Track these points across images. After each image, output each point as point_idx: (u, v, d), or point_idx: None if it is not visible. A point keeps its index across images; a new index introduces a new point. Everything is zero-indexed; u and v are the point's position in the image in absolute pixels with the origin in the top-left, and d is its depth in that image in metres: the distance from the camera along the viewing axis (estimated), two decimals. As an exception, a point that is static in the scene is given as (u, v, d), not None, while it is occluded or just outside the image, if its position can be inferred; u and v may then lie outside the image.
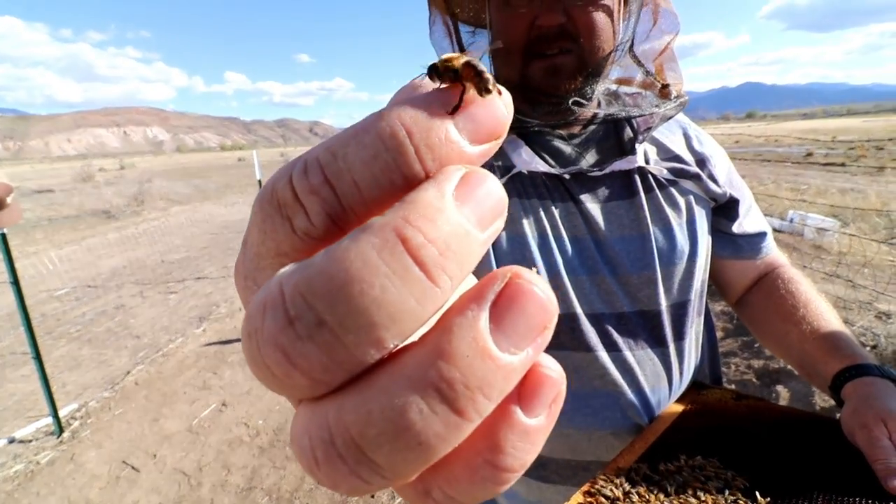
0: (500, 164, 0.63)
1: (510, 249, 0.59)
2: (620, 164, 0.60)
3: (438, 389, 0.11)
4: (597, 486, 0.44)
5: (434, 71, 0.15)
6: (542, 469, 0.61)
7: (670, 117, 0.62)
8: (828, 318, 0.62)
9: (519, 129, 0.62)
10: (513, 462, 0.13)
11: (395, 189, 0.12)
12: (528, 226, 0.60)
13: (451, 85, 0.15)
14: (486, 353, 0.11)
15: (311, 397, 0.12)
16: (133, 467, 2.29)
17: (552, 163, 0.62)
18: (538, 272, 0.56)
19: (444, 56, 0.15)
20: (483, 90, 0.14)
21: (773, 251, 0.72)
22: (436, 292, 0.11)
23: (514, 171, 0.61)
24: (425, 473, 0.13)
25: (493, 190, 0.13)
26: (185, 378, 3.15)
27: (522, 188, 0.61)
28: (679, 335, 0.62)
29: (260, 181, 5.67)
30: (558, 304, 0.46)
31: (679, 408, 0.59)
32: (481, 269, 0.61)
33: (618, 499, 0.42)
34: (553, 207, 0.61)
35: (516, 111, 0.64)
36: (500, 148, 0.62)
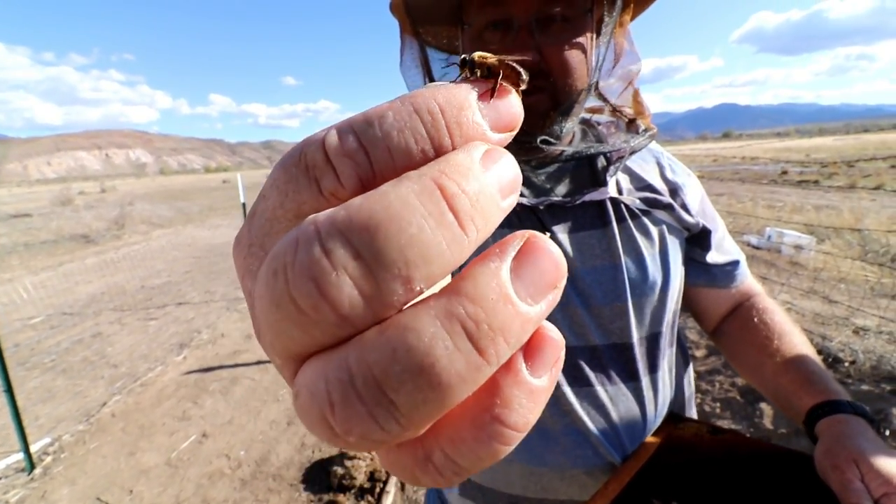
0: None
1: None
2: (592, 195, 0.60)
3: (465, 326, 0.12)
4: None
5: (466, 63, 0.17)
6: None
7: (640, 149, 0.63)
8: (802, 350, 0.62)
9: None
10: (517, 419, 0.13)
11: (425, 158, 0.13)
12: None
13: (482, 78, 0.17)
14: (508, 299, 0.12)
15: (331, 342, 0.12)
16: (107, 505, 2.19)
17: (525, 192, 0.61)
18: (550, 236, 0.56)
19: (479, 53, 0.17)
20: (519, 83, 0.17)
21: (747, 280, 0.72)
22: (463, 240, 0.12)
23: None
24: (429, 434, 0.13)
25: (511, 165, 0.14)
26: (164, 408, 3.05)
27: None
28: (652, 368, 0.62)
29: (244, 204, 5.63)
30: None
31: (654, 443, 0.58)
32: None
33: None
34: None
35: None
36: None
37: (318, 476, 2.34)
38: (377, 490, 2.19)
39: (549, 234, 0.59)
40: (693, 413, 0.72)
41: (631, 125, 0.65)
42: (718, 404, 2.47)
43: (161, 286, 6.15)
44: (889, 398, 2.10)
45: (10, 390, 2.33)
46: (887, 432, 1.94)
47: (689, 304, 0.72)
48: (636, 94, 0.66)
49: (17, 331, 4.54)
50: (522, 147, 0.60)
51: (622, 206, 0.61)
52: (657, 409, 0.62)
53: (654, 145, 0.71)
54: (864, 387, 2.23)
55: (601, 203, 0.61)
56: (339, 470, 2.26)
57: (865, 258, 4.55)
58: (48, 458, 2.53)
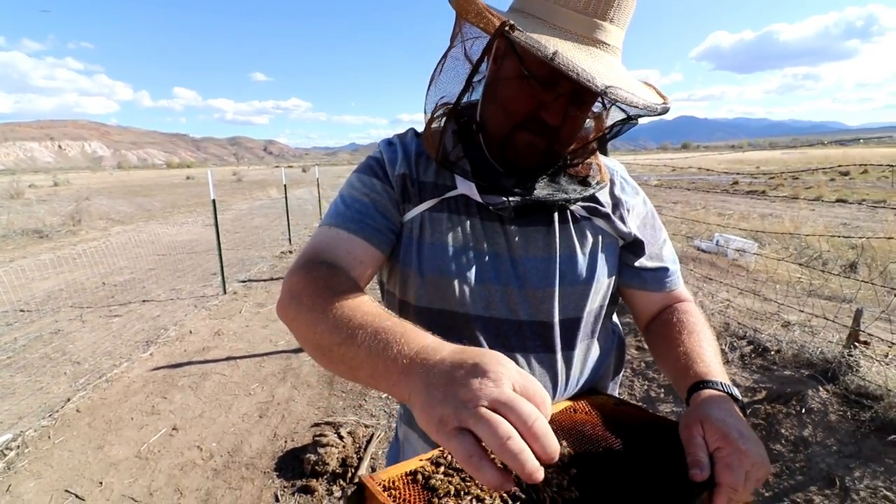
0: (445, 183, 0.73)
1: (430, 255, 0.70)
2: (543, 198, 0.71)
3: None
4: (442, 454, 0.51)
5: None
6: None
7: (589, 195, 0.75)
8: (704, 345, 0.69)
9: (477, 160, 0.73)
10: None
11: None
12: (451, 238, 0.71)
13: None
14: None
15: None
16: (77, 496, 2.21)
17: (492, 196, 0.71)
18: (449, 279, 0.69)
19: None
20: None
21: (677, 287, 0.81)
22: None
23: (455, 192, 0.72)
24: None
25: None
26: (132, 403, 3.05)
27: (455, 205, 0.72)
28: (569, 346, 0.72)
29: (214, 201, 5.58)
30: (464, 305, 0.72)
31: (563, 405, 0.68)
32: (405, 268, 0.72)
33: (434, 473, 0.47)
34: (480, 225, 0.71)
35: (487, 149, 0.73)
36: (451, 173, 0.73)
37: (291, 464, 2.42)
38: (349, 475, 2.30)
39: (501, 225, 0.71)
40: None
41: (584, 181, 0.77)
42: (662, 390, 2.71)
43: (124, 283, 5.99)
44: (807, 381, 2.39)
45: (-27, 383, 2.31)
46: (803, 410, 2.22)
47: (628, 304, 0.86)
48: (594, 152, 0.80)
49: (-31, 328, 4.36)
50: (514, 175, 0.72)
51: (567, 211, 0.75)
52: (568, 382, 0.73)
53: (614, 165, 0.85)
54: (787, 372, 2.51)
55: (550, 206, 0.73)
56: (312, 457, 2.35)
57: (801, 262, 4.98)
58: (11, 454, 2.51)
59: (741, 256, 5.15)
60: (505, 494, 0.44)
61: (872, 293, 3.42)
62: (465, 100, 0.76)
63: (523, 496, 0.44)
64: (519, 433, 0.33)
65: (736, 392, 0.61)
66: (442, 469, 0.47)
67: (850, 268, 5.16)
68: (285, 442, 2.61)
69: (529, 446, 0.33)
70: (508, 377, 0.37)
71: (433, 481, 0.45)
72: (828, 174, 18.44)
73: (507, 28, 0.53)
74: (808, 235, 4.24)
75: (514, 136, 0.68)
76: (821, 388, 2.31)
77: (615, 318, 0.89)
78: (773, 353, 2.70)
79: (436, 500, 0.43)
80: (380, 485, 0.44)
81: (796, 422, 2.18)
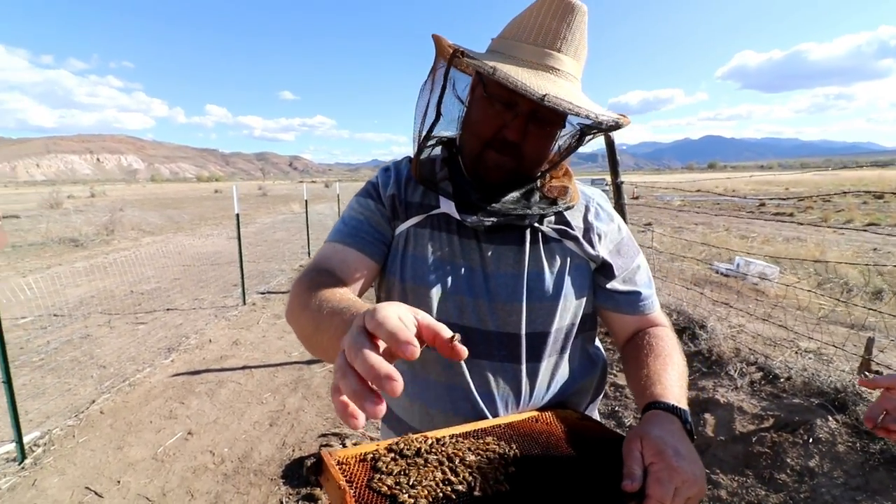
0: (430, 202, 0.81)
1: (412, 265, 0.78)
2: (514, 221, 0.77)
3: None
4: (404, 440, 0.57)
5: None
6: (408, 434, 0.74)
7: (557, 212, 0.81)
8: (668, 369, 0.72)
9: (458, 181, 0.80)
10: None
11: None
12: (431, 251, 0.78)
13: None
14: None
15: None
16: (96, 493, 2.32)
17: (469, 212, 0.79)
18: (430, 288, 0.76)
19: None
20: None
21: (651, 312, 0.84)
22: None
23: (438, 210, 0.80)
24: None
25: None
26: (152, 407, 3.19)
27: (437, 223, 0.80)
28: (535, 358, 0.76)
29: (238, 215, 5.81)
30: (439, 313, 0.73)
31: (528, 414, 0.72)
32: (390, 276, 0.80)
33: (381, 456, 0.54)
34: (458, 242, 0.78)
35: (465, 170, 0.81)
36: (434, 192, 0.81)
37: (297, 472, 2.50)
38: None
39: (477, 242, 0.78)
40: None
41: (553, 201, 0.82)
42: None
43: (150, 292, 6.25)
44: (816, 410, 2.34)
45: (8, 381, 2.47)
46: (811, 440, 2.18)
47: (606, 326, 0.90)
48: (569, 176, 0.87)
49: (7, 330, 4.58)
50: (483, 190, 0.79)
51: (540, 232, 0.80)
52: (533, 393, 0.77)
53: (591, 192, 0.90)
54: (796, 400, 2.46)
55: (522, 227, 0.79)
56: (317, 466, 2.42)
57: (820, 288, 4.85)
58: (38, 450, 2.65)
59: (762, 281, 5.06)
60: (441, 482, 0.50)
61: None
62: (454, 131, 0.85)
63: (460, 487, 0.50)
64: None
65: (686, 414, 0.64)
66: (392, 455, 0.54)
67: (876, 295, 5.00)
68: (293, 451, 2.69)
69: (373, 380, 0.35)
70: (361, 324, 0.40)
71: (380, 463, 0.52)
72: (860, 197, 17.86)
73: (459, 55, 0.63)
74: (818, 261, 4.15)
75: (484, 155, 0.76)
76: (830, 418, 2.26)
77: (598, 342, 0.92)
78: (783, 380, 2.65)
79: (377, 477, 0.50)
80: (335, 460, 0.51)
81: (803, 451, 2.14)
